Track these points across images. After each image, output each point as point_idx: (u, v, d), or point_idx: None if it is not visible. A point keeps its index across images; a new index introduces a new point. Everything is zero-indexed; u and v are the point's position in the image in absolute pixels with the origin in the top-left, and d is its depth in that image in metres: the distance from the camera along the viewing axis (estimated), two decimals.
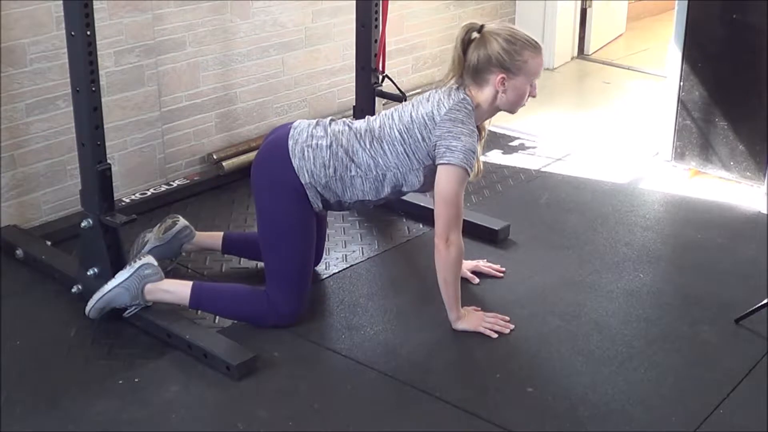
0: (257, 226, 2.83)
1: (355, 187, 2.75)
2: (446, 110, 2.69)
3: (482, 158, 2.88)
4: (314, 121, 2.80)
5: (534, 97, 2.79)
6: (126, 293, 2.72)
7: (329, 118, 2.84)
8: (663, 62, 4.38)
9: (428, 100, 2.75)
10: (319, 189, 2.73)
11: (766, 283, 3.04)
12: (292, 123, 2.81)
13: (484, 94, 2.73)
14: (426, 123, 2.69)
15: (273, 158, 2.76)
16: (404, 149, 2.72)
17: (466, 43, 2.72)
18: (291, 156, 2.72)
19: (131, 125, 3.51)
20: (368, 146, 2.73)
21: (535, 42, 2.71)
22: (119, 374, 2.56)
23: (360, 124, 2.81)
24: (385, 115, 2.81)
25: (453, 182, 2.67)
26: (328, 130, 2.75)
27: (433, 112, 2.70)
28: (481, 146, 2.81)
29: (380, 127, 2.76)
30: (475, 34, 2.71)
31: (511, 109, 2.80)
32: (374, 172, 2.74)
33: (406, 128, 2.72)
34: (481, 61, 2.69)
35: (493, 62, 2.68)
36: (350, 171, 2.73)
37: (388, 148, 2.73)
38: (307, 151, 2.72)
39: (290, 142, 2.73)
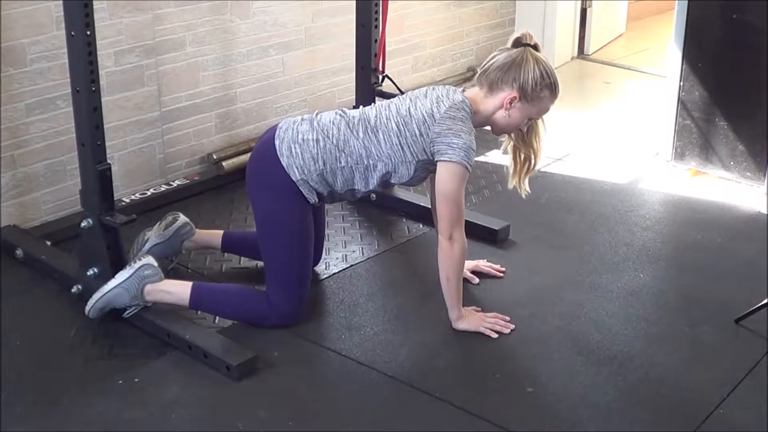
0: (256, 228, 2.83)
1: (346, 176, 2.74)
2: (446, 108, 2.69)
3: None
4: (299, 118, 2.80)
5: (522, 132, 2.82)
6: (126, 293, 2.72)
7: (316, 111, 2.84)
8: (663, 62, 4.38)
9: (426, 96, 2.75)
10: (311, 183, 2.73)
11: (766, 283, 3.04)
12: (278, 124, 2.81)
13: (487, 103, 2.74)
14: (425, 119, 2.69)
15: (263, 161, 2.77)
16: (399, 141, 2.71)
17: (513, 46, 2.74)
18: (279, 156, 2.72)
19: (131, 125, 3.51)
20: (361, 135, 2.73)
21: (559, 90, 2.75)
22: (119, 374, 2.56)
23: (353, 113, 2.81)
24: (382, 105, 2.81)
25: (455, 180, 2.67)
26: (315, 124, 2.75)
27: (432, 110, 2.70)
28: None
29: (376, 116, 2.76)
30: (520, 45, 2.73)
31: (500, 130, 2.81)
32: (365, 162, 2.73)
33: (404, 121, 2.72)
34: (508, 74, 2.70)
35: (518, 81, 2.69)
36: (340, 162, 2.72)
37: (383, 138, 2.72)
38: (294, 147, 2.72)
39: (277, 142, 2.74)
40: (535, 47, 2.74)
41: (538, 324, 2.85)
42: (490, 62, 2.75)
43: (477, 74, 2.80)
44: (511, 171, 2.91)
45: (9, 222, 3.23)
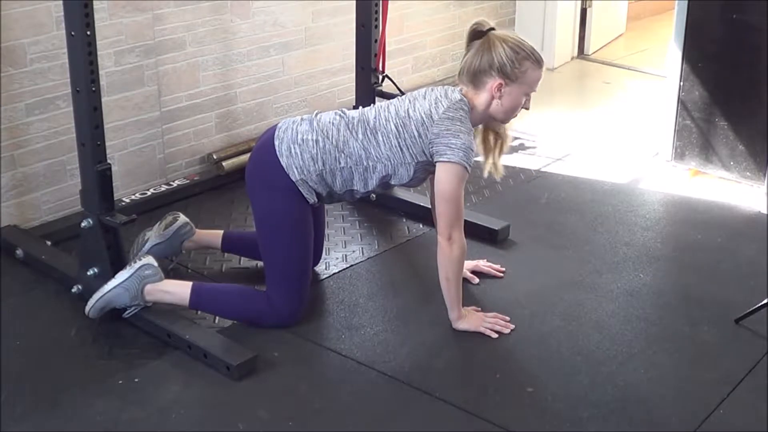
0: (255, 228, 2.83)
1: (345, 177, 2.74)
2: (444, 109, 2.69)
3: (482, 158, 2.89)
4: (298, 118, 2.80)
5: (527, 109, 2.80)
6: (126, 293, 2.72)
7: (316, 111, 2.84)
8: (663, 62, 4.38)
9: (425, 98, 2.75)
10: (310, 183, 2.73)
11: (766, 283, 3.04)
12: (277, 124, 2.81)
13: (479, 98, 2.74)
14: (424, 120, 2.70)
15: (262, 161, 2.77)
16: (398, 143, 2.71)
17: (471, 39, 2.74)
18: (279, 156, 2.72)
19: (131, 125, 3.51)
20: (360, 136, 2.73)
21: (539, 56, 2.72)
22: (119, 374, 2.56)
23: (353, 113, 2.81)
24: (381, 107, 2.81)
25: (453, 180, 2.67)
26: (314, 125, 2.75)
27: (431, 111, 2.70)
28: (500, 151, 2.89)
29: (375, 118, 2.76)
30: (482, 34, 2.73)
31: (504, 118, 2.80)
32: (364, 163, 2.73)
33: (403, 123, 2.72)
34: (482, 64, 2.69)
35: (495, 67, 2.68)
36: (340, 162, 2.72)
37: (383, 139, 2.72)
38: (294, 148, 2.72)
39: (276, 143, 2.74)
40: (494, 29, 2.74)
41: (538, 324, 2.85)
42: (462, 62, 2.76)
43: (457, 77, 2.79)
44: (483, 156, 2.90)
45: (9, 222, 3.23)
